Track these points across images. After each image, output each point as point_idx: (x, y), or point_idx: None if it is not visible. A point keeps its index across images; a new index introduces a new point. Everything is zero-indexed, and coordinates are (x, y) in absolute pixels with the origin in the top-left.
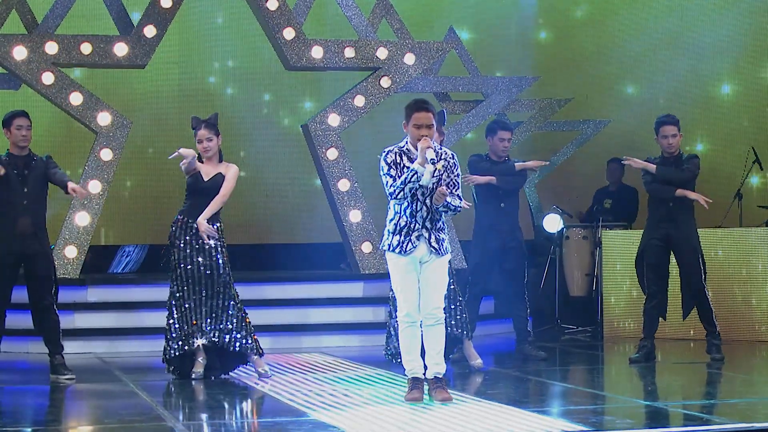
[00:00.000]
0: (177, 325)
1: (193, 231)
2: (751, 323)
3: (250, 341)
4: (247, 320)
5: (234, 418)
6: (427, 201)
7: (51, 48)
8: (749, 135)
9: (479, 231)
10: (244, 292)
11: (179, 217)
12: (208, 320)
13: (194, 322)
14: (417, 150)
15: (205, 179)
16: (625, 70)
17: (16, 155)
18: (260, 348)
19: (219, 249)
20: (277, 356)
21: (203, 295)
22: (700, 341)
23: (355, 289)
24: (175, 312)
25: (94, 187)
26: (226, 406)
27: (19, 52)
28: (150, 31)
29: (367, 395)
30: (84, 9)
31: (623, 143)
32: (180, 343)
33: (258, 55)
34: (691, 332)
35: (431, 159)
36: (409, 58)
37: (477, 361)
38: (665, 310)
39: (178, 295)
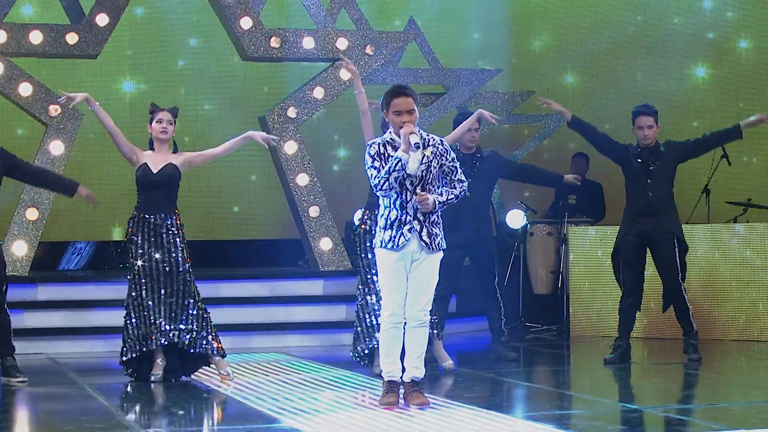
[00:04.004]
0: (135, 325)
1: (150, 227)
2: (723, 322)
3: (211, 342)
4: (209, 320)
5: (204, 426)
6: (417, 190)
7: None
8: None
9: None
10: (199, 289)
11: (134, 213)
12: (168, 320)
13: (153, 322)
14: (401, 138)
15: (154, 171)
16: (589, 62)
17: None
18: (222, 349)
19: (178, 245)
20: (236, 357)
21: (162, 293)
22: (676, 340)
23: (314, 287)
24: (132, 311)
25: None
26: (193, 411)
27: None
28: (102, 19)
29: (338, 399)
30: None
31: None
32: (138, 344)
33: (212, 50)
34: (667, 331)
35: (415, 144)
36: (370, 49)
37: (448, 362)
38: (640, 305)
39: (135, 294)
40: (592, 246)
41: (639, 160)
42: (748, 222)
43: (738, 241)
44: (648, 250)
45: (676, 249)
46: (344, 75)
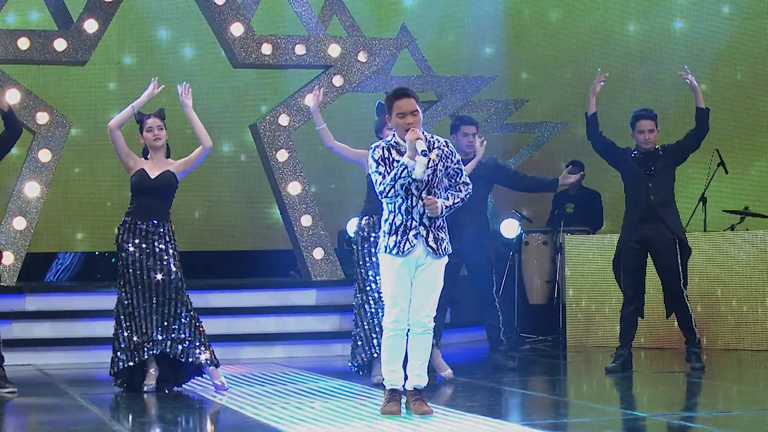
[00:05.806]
0: (126, 335)
1: (142, 234)
2: (724, 331)
3: (204, 351)
4: (201, 329)
5: None
6: (423, 194)
7: None
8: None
9: None
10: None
11: (126, 219)
12: (160, 329)
13: (144, 332)
14: (405, 141)
15: (152, 177)
16: (583, 71)
17: None
18: (216, 359)
19: (170, 253)
20: (229, 367)
21: (154, 302)
22: (678, 350)
23: (307, 297)
24: (123, 321)
25: (32, 189)
26: (190, 422)
27: None
28: (91, 26)
29: (337, 408)
30: (19, 4)
31: (581, 146)
32: (129, 354)
33: (203, 56)
34: (668, 340)
35: (422, 151)
36: (363, 56)
37: (447, 371)
38: (642, 311)
39: (126, 302)
40: (588, 255)
41: (638, 164)
42: (747, 230)
43: (736, 249)
44: (649, 256)
45: (678, 255)
46: (308, 101)
